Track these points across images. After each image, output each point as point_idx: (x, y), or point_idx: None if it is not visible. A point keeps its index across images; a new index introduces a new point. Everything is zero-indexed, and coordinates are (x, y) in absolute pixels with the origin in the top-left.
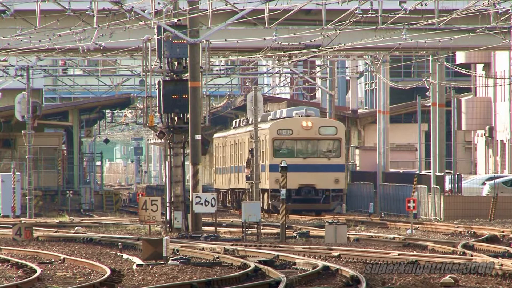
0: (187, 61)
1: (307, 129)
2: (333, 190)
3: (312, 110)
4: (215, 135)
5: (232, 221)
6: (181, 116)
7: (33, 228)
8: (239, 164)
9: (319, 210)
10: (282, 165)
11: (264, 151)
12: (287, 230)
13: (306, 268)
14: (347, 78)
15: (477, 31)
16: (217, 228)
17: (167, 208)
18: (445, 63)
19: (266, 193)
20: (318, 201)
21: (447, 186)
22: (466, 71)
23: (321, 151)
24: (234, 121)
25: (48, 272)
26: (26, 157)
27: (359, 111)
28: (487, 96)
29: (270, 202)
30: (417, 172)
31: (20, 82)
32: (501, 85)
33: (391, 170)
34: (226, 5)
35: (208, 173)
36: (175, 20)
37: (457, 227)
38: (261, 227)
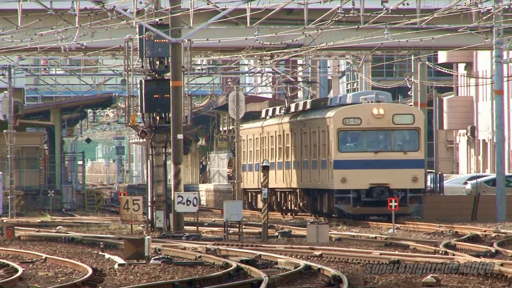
0: (169, 60)
1: (379, 118)
2: (411, 190)
3: (384, 94)
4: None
5: (214, 220)
6: (163, 115)
7: (15, 227)
8: (304, 159)
9: (394, 215)
10: (264, 164)
11: (326, 144)
12: (269, 230)
13: (288, 268)
14: (329, 77)
15: (459, 30)
16: (199, 227)
17: (149, 207)
18: (427, 62)
19: (326, 194)
20: None
21: (429, 185)
22: (448, 71)
23: (395, 143)
24: (272, 109)
25: (30, 271)
26: (7, 156)
27: None
28: (469, 96)
29: (335, 205)
30: None
31: (2, 82)
32: (483, 85)
33: None
34: (208, 4)
35: (190, 172)
36: (157, 20)
37: (439, 226)
38: (243, 226)
